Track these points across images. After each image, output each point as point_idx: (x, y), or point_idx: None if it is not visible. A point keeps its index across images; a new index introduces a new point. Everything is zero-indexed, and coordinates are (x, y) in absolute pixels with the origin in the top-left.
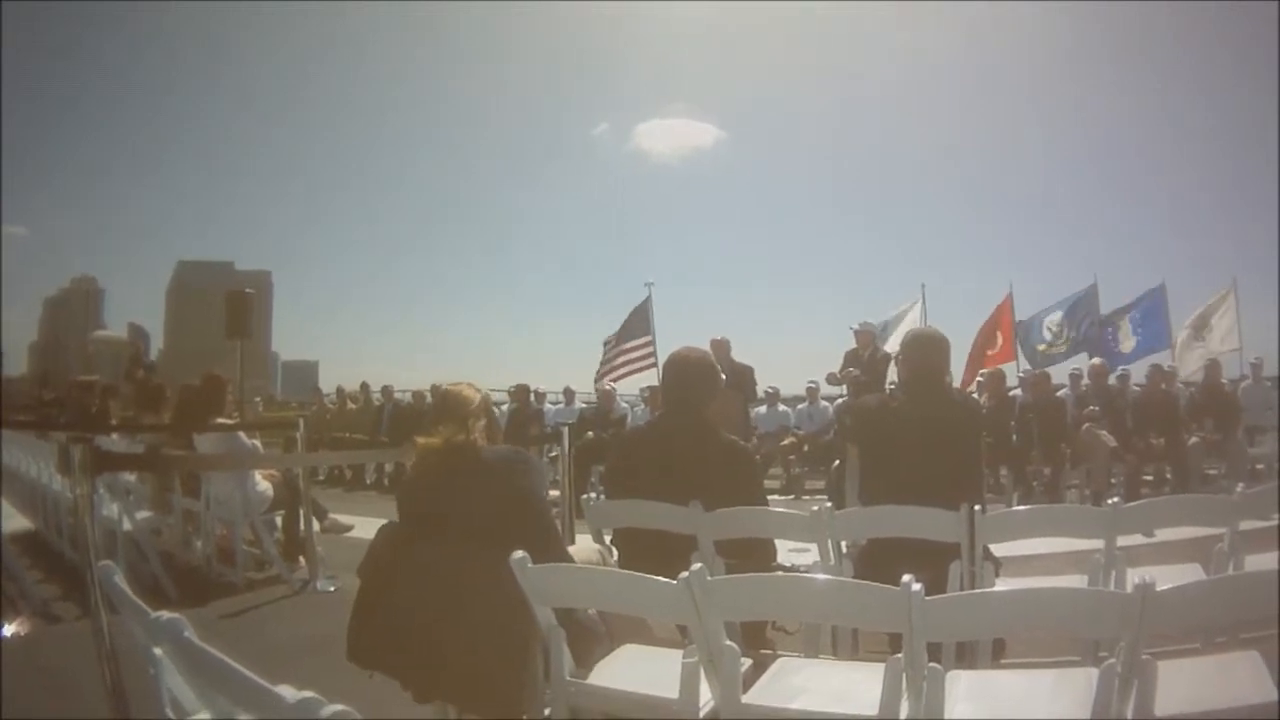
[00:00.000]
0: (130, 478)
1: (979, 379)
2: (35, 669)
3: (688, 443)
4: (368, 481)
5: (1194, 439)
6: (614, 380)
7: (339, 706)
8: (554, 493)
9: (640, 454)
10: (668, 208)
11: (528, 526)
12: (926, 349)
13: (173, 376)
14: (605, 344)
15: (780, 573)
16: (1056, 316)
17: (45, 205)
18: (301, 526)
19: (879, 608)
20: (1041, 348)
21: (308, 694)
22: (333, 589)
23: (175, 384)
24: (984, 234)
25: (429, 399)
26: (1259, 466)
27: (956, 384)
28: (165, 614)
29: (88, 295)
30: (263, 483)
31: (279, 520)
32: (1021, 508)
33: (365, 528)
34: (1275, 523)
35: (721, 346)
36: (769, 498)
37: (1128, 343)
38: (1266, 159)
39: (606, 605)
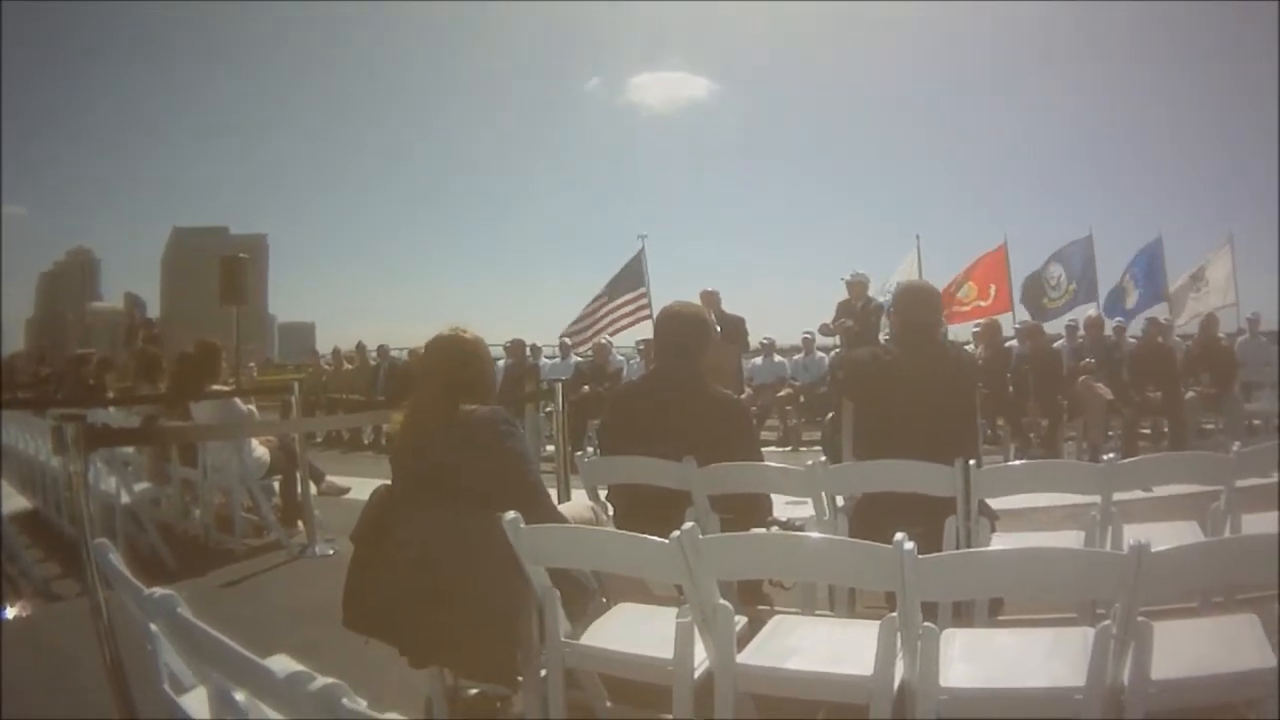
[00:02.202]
0: (128, 450)
1: (974, 329)
2: (36, 647)
3: (681, 398)
4: (365, 442)
5: (1191, 393)
6: (609, 334)
7: (329, 680)
8: (549, 447)
9: (634, 410)
10: (661, 161)
11: (515, 488)
12: (918, 302)
13: (171, 343)
14: (596, 299)
15: (775, 528)
16: (1057, 270)
17: (43, 183)
18: (299, 490)
19: (872, 567)
20: (1046, 302)
21: (298, 668)
22: (331, 553)
23: (171, 352)
24: (978, 185)
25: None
26: (1255, 422)
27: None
28: (159, 590)
29: (84, 267)
30: (259, 448)
31: (276, 485)
32: (1017, 463)
33: (362, 489)
34: (1273, 480)
35: (711, 298)
36: (766, 449)
37: (1130, 298)
38: (1264, 116)
39: (600, 565)
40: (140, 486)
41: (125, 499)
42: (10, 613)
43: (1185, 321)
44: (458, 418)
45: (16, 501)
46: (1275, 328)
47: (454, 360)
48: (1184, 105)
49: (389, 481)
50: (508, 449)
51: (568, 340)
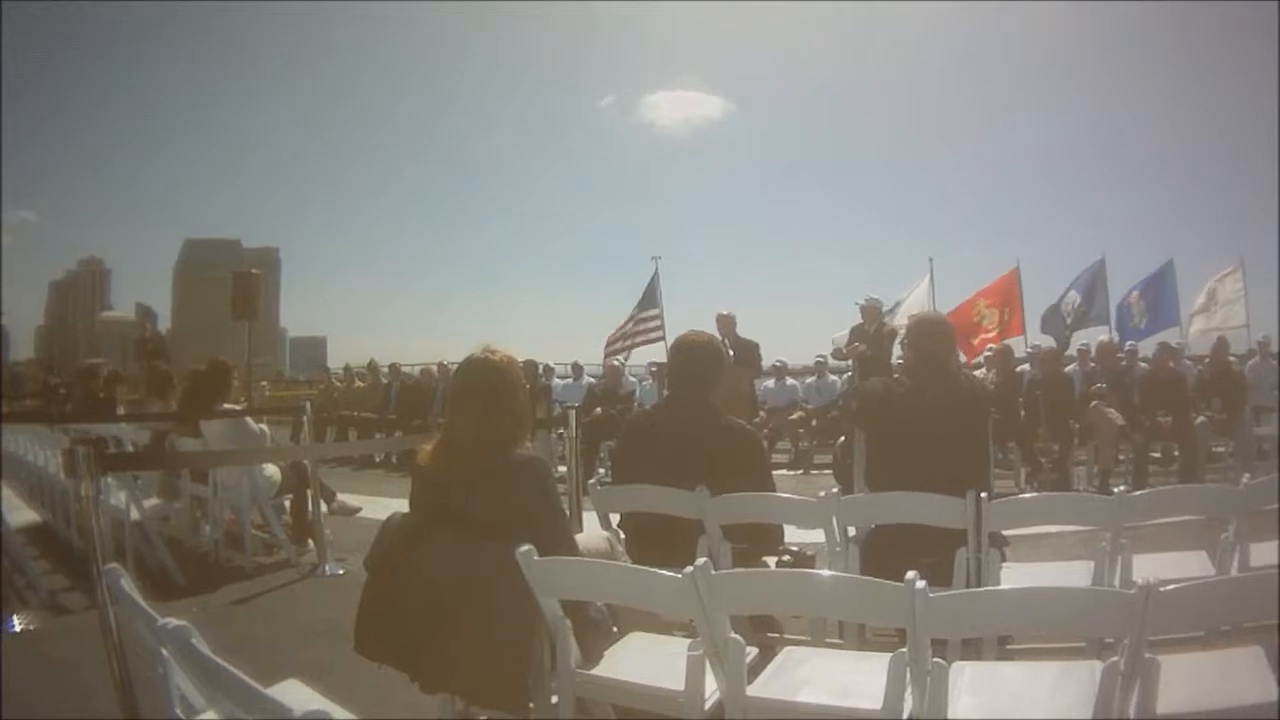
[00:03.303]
0: None
1: (986, 353)
2: (42, 660)
3: (693, 427)
4: (376, 460)
5: (1201, 418)
6: (623, 355)
7: (345, 717)
8: (561, 468)
9: (646, 438)
10: (676, 180)
11: (546, 537)
12: (931, 334)
13: (181, 356)
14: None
15: (787, 557)
16: (1074, 297)
17: (53, 190)
18: (310, 509)
19: (883, 604)
20: (1065, 330)
21: (310, 694)
22: (342, 572)
23: (180, 367)
24: (992, 210)
25: (436, 375)
26: (1265, 446)
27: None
28: (173, 621)
29: (95, 277)
30: (270, 466)
31: (287, 504)
32: (1028, 495)
33: (374, 509)
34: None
35: (728, 322)
36: (777, 472)
37: (1141, 321)
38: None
39: (611, 598)
40: (150, 502)
41: (135, 515)
42: (17, 624)
43: (1197, 338)
44: (498, 459)
45: (24, 514)
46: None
47: (489, 386)
48: (1197, 127)
49: (404, 508)
50: (548, 504)
51: (615, 361)
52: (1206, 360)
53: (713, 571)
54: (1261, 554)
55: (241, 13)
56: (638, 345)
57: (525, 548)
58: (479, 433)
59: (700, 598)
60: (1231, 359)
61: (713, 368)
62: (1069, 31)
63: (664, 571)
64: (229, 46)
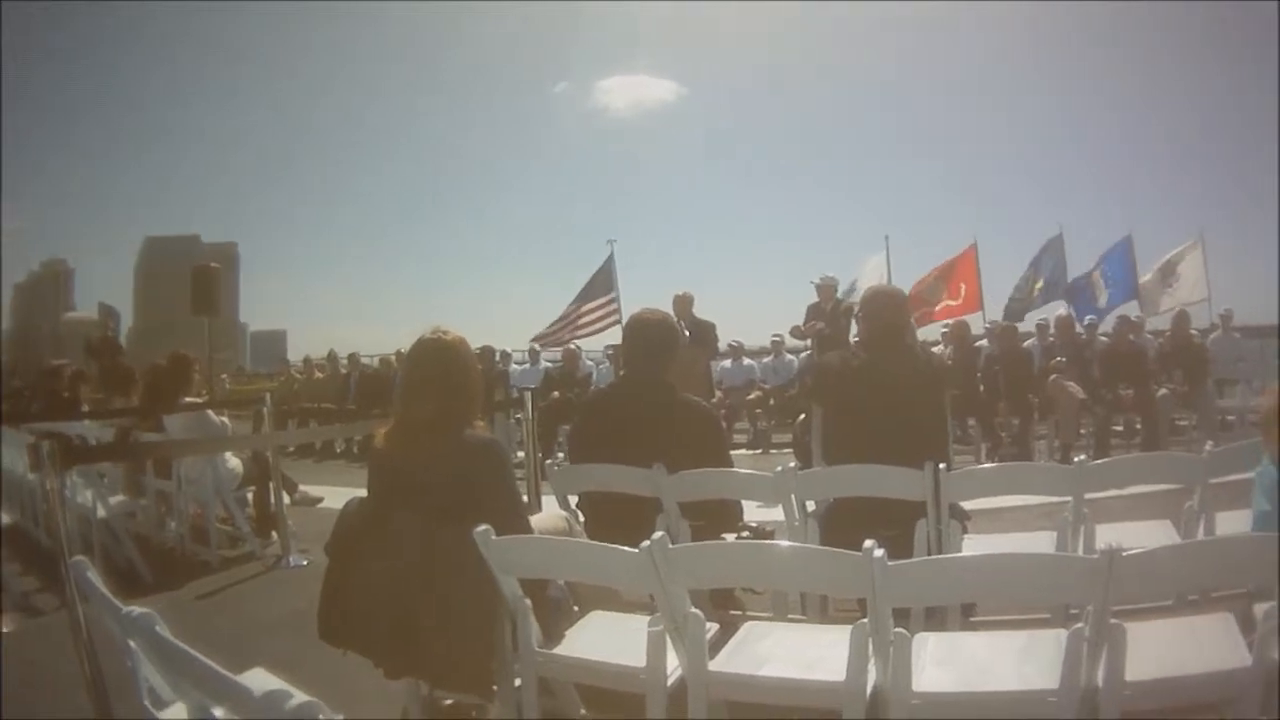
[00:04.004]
0: (103, 463)
1: (943, 330)
2: (17, 661)
3: (649, 405)
4: (338, 451)
5: (1163, 390)
6: (579, 338)
7: (305, 698)
8: (520, 454)
9: (602, 418)
10: (630, 164)
11: (503, 515)
12: (885, 306)
13: (145, 353)
14: (571, 305)
15: (746, 534)
16: (1029, 274)
17: (16, 191)
18: (272, 501)
19: (842, 574)
20: (1013, 303)
21: (275, 683)
22: (305, 563)
23: (144, 365)
24: (948, 187)
25: (395, 364)
26: (1229, 418)
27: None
28: (137, 609)
29: (58, 277)
30: (233, 459)
31: (250, 496)
32: (988, 465)
33: (335, 499)
34: (1245, 476)
35: (684, 302)
36: (735, 452)
37: (1102, 297)
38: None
39: (570, 575)
40: (116, 499)
41: (102, 512)
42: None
43: (1159, 315)
44: (454, 440)
45: None
46: (1248, 323)
47: (443, 368)
48: (1153, 103)
49: (363, 493)
50: (504, 482)
51: (537, 346)
52: (1167, 334)
53: (670, 546)
54: (1227, 523)
55: (200, 11)
56: (594, 330)
57: (483, 528)
58: (433, 414)
59: (658, 572)
60: (1192, 333)
61: (667, 345)
62: (1027, 7)
63: (622, 547)
64: (189, 47)
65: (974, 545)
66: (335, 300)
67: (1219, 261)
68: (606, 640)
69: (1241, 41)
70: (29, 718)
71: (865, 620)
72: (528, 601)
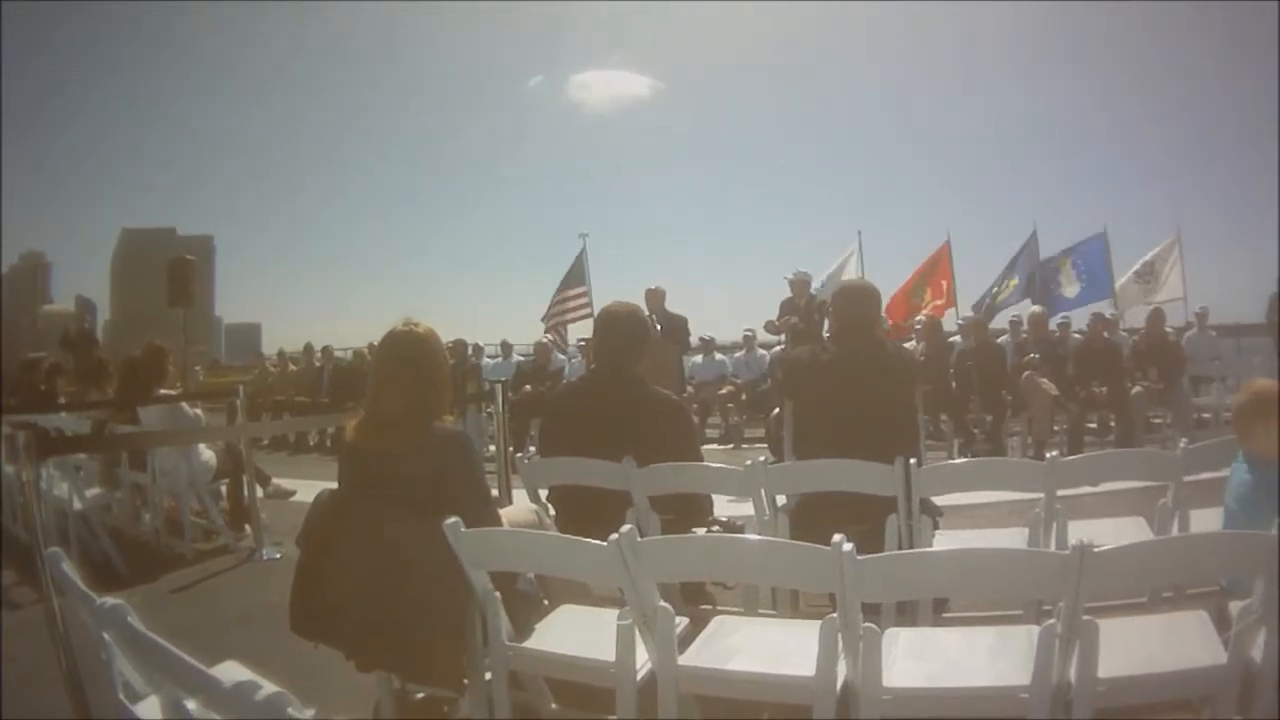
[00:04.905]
0: (79, 455)
1: (916, 325)
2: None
3: (619, 398)
4: (311, 444)
5: (1137, 388)
6: (549, 332)
7: (275, 689)
8: (491, 448)
9: (572, 411)
10: (604, 159)
11: (473, 507)
12: (856, 300)
13: (121, 345)
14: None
15: (716, 528)
16: (1006, 275)
17: None
18: (246, 494)
19: (811, 568)
20: (990, 300)
21: (247, 675)
22: (278, 556)
23: (119, 356)
24: (922, 184)
25: (368, 357)
26: (1205, 415)
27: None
28: (110, 600)
29: (36, 270)
30: (206, 452)
31: (224, 489)
32: (959, 460)
33: (308, 492)
34: (1219, 474)
35: (656, 296)
36: (707, 447)
37: (1071, 288)
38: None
39: (539, 568)
40: (92, 492)
41: (78, 505)
42: None
43: (1131, 314)
44: (424, 432)
45: None
46: (1224, 322)
47: (413, 360)
48: (1131, 99)
49: (334, 486)
50: (473, 474)
51: (543, 338)
52: (1142, 331)
53: (639, 539)
54: (1201, 520)
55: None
56: (566, 323)
57: (452, 520)
58: (404, 405)
59: (627, 565)
60: (1167, 330)
61: (637, 338)
62: (1006, 9)
63: (591, 540)
64: (163, 40)
65: (945, 541)
66: (311, 294)
67: (1195, 260)
68: (576, 634)
69: (1221, 43)
70: (5, 710)
71: (835, 615)
72: (498, 595)
